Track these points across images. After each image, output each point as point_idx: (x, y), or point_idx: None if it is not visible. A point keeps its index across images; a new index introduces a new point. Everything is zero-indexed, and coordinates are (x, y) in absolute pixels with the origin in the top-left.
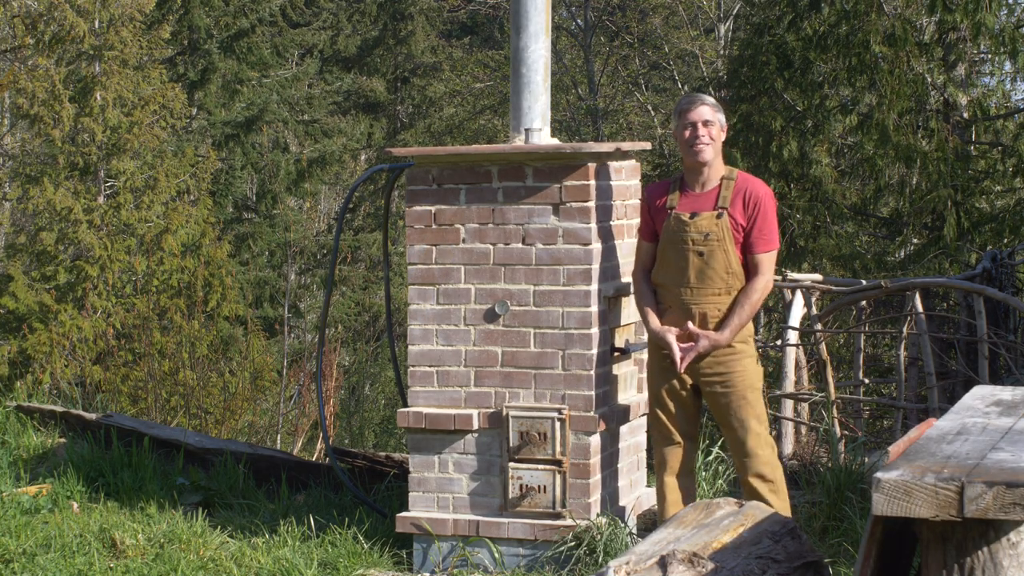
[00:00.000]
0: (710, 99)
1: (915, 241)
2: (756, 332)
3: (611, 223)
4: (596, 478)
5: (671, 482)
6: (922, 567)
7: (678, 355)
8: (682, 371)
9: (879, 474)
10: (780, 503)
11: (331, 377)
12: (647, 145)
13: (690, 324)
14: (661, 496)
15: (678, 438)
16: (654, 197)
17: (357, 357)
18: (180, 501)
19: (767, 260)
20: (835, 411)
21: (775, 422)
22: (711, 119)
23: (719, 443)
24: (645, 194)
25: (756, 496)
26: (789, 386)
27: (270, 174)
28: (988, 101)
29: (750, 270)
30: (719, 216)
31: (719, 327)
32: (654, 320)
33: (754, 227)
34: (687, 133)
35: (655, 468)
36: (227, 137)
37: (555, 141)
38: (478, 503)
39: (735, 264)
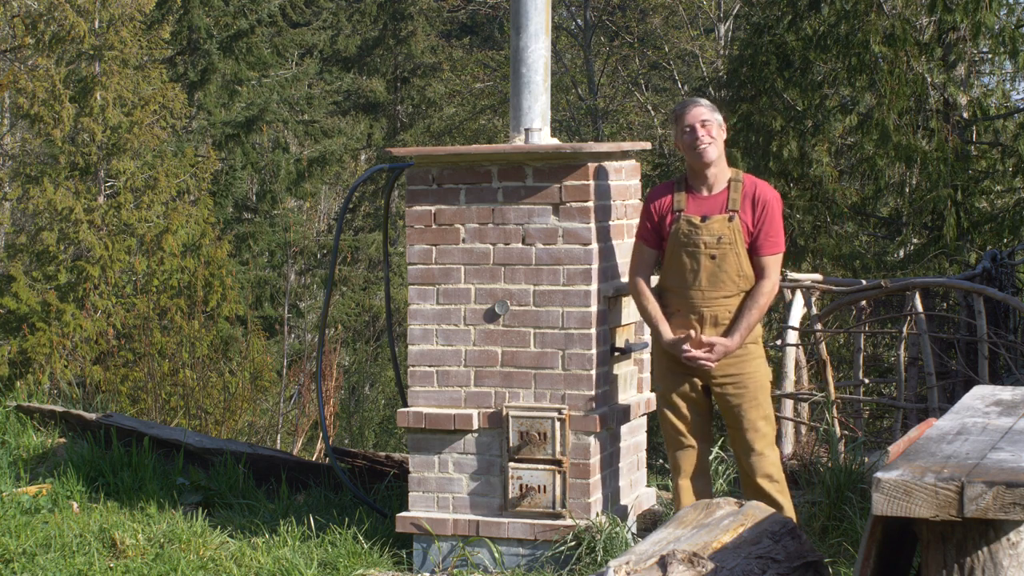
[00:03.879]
0: (704, 100)
1: (915, 241)
2: None
3: (611, 223)
4: (596, 478)
5: (685, 485)
6: (922, 567)
7: (705, 363)
8: (704, 368)
9: (879, 474)
10: (787, 503)
11: (331, 377)
12: (647, 145)
13: (694, 332)
14: (676, 499)
15: (690, 441)
16: (657, 200)
17: (357, 357)
18: (180, 501)
19: (773, 263)
20: (835, 411)
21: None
22: (708, 118)
23: (718, 443)
24: (648, 198)
25: (764, 496)
26: (789, 386)
27: (270, 174)
28: (988, 101)
29: (756, 273)
30: (731, 219)
31: (728, 332)
32: (667, 330)
33: (761, 231)
34: (687, 136)
35: (670, 472)
36: (227, 137)
37: (555, 141)
38: (478, 503)
39: (746, 266)
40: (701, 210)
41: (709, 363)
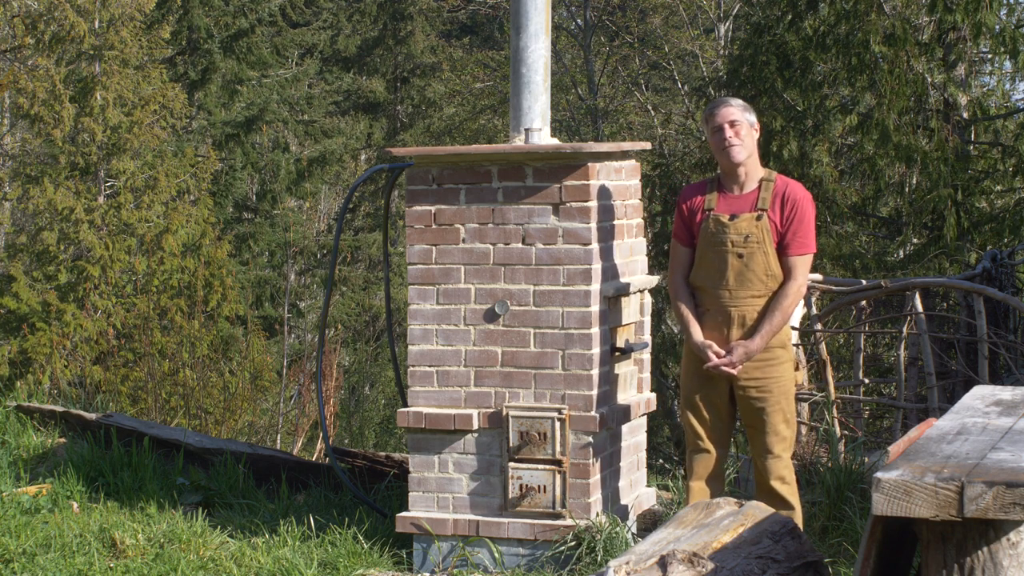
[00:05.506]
0: (736, 100)
1: (915, 241)
2: None
3: (611, 223)
4: (596, 478)
5: (697, 487)
6: (922, 567)
7: (728, 370)
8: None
9: (879, 474)
10: (798, 504)
11: (331, 377)
12: (647, 145)
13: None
14: (687, 501)
15: (708, 446)
16: (689, 198)
17: (357, 357)
18: (180, 501)
19: (801, 264)
20: (835, 411)
21: None
22: (738, 119)
23: None
24: (680, 197)
25: (777, 498)
26: None
27: (270, 174)
28: (988, 101)
29: (784, 273)
30: (759, 218)
31: (751, 334)
32: (696, 332)
33: (790, 229)
34: (716, 136)
35: (684, 473)
36: (227, 137)
37: (555, 141)
38: (478, 503)
39: (774, 266)
40: (730, 209)
41: (732, 371)
